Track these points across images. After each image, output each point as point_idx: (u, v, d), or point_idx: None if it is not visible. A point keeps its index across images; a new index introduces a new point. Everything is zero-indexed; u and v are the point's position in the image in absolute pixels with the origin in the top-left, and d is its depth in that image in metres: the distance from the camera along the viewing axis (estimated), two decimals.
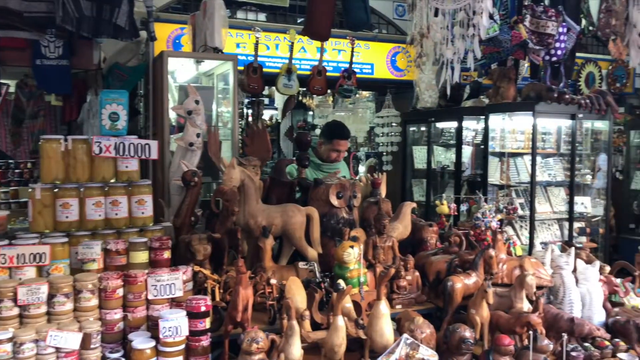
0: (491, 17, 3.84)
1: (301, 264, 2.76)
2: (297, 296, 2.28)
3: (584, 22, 7.48)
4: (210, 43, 3.89)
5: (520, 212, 4.86)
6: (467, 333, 2.19)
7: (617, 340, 2.52)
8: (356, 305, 2.48)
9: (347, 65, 5.66)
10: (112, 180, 2.68)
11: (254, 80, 5.12)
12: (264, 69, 5.32)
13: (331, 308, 2.19)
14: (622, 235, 7.57)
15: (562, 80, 5.12)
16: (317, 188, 3.01)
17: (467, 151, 5.73)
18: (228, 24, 4.16)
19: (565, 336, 2.30)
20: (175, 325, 2.05)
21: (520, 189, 5.01)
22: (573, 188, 4.93)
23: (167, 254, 2.46)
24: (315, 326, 2.33)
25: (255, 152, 3.21)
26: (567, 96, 4.61)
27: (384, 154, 6.53)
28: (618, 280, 2.93)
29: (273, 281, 2.48)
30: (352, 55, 5.61)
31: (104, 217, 2.60)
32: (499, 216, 3.45)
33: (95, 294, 2.17)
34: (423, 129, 6.34)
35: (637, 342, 2.51)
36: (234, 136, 3.99)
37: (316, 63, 5.52)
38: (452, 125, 5.84)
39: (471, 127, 5.74)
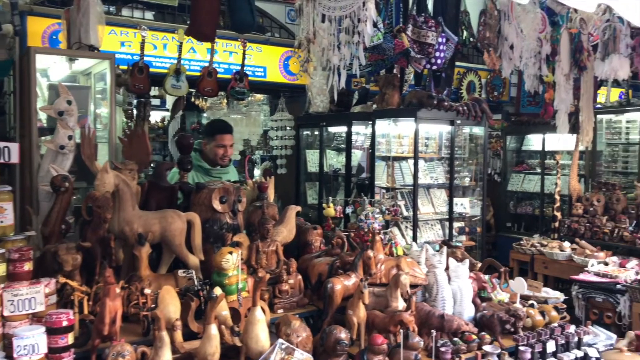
0: (375, 25, 3.97)
1: (180, 272, 2.67)
2: (170, 306, 2.21)
3: (465, 33, 7.98)
4: (85, 40, 3.66)
5: (405, 213, 5.05)
6: (343, 334, 2.23)
7: (483, 333, 2.68)
8: (236, 312, 2.45)
9: (239, 68, 5.60)
10: None
11: (139, 80, 4.91)
12: (152, 69, 5.12)
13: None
14: (500, 233, 8.15)
15: (445, 88, 5.40)
16: (199, 192, 2.93)
17: (358, 155, 5.88)
18: (105, 21, 3.95)
19: (434, 332, 2.41)
20: (32, 342, 1.90)
21: (405, 191, 5.21)
22: (452, 190, 5.20)
23: (27, 266, 2.27)
24: (193, 336, 2.26)
25: (133, 156, 3.08)
26: (445, 103, 4.86)
27: (279, 157, 6.55)
28: (486, 277, 3.14)
29: (147, 291, 2.39)
30: (243, 58, 5.56)
31: None
32: (381, 217, 3.56)
33: None
34: (316, 133, 6.42)
35: (500, 335, 2.69)
36: (112, 138, 3.79)
37: (206, 64, 5.41)
38: (342, 129, 5.97)
39: (361, 131, 5.90)
